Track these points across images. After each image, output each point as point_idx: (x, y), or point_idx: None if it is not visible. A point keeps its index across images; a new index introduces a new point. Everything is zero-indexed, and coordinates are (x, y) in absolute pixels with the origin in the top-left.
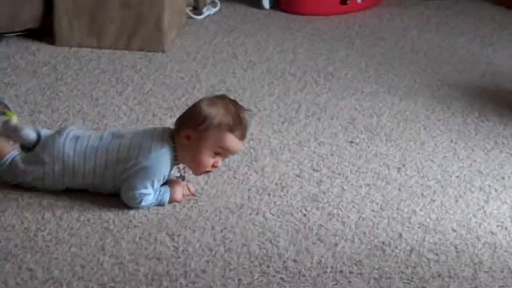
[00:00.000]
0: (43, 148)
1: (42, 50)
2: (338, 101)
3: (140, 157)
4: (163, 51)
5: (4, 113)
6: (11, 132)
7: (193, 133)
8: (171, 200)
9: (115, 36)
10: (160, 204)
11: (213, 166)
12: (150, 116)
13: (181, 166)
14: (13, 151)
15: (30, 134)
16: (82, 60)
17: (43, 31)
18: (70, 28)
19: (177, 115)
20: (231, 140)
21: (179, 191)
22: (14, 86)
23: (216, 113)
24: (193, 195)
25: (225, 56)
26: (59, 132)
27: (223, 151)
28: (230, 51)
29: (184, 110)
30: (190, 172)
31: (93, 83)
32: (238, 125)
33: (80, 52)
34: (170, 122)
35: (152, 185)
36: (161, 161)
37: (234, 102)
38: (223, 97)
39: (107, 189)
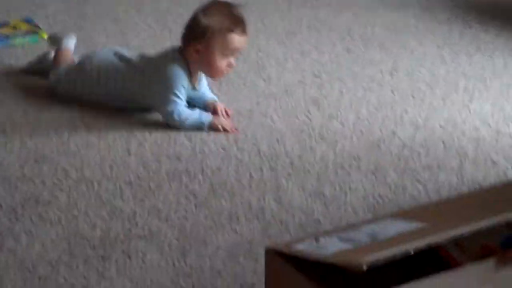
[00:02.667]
0: (86, 58)
1: None
2: (336, 14)
3: (156, 74)
4: None
5: (36, 32)
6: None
7: (199, 46)
8: (212, 126)
9: None
10: (200, 125)
11: (229, 66)
12: (167, 33)
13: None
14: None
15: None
16: None
17: None
18: None
19: None
20: (235, 39)
21: (220, 121)
22: (43, 7)
23: (214, 21)
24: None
25: None
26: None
27: (232, 51)
28: None
29: (184, 28)
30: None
31: (115, 3)
32: (236, 23)
33: None
34: None
35: (176, 95)
36: (176, 73)
37: (225, 3)
38: (214, 3)
39: (134, 103)
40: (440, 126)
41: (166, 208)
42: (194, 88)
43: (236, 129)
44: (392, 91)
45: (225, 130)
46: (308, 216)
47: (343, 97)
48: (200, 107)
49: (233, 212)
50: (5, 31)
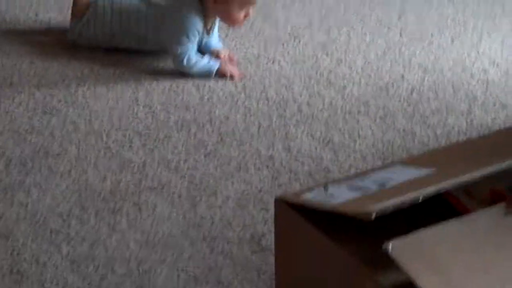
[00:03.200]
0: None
1: None
2: None
3: (172, 15)
4: None
5: None
6: None
7: None
8: (220, 72)
9: None
10: (208, 71)
11: (245, 16)
12: None
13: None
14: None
15: None
16: None
17: None
18: None
19: None
20: None
21: (228, 68)
22: None
23: None
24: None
25: None
26: None
27: (250, 1)
28: None
29: None
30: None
31: None
32: None
33: None
34: None
35: (188, 38)
36: (192, 15)
37: None
38: None
39: (149, 45)
40: (449, 69)
41: (175, 158)
42: (207, 33)
43: (243, 75)
44: (400, 34)
45: (232, 76)
46: (317, 164)
47: (351, 41)
48: (205, 53)
49: (242, 162)
50: None
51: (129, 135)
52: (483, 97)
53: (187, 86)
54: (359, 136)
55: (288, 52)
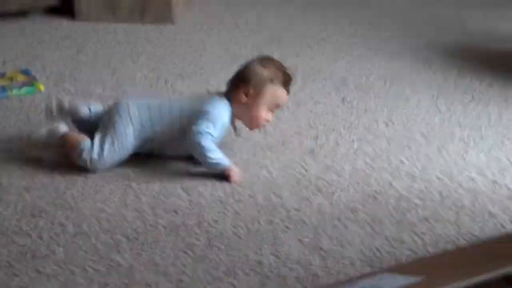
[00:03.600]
0: (111, 113)
1: (63, 25)
2: (331, 64)
3: (202, 106)
4: (173, 23)
5: (32, 83)
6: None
7: (251, 90)
8: (227, 172)
9: (129, 11)
10: (219, 166)
11: (266, 120)
12: (162, 82)
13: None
14: (86, 140)
15: (80, 108)
16: (100, 33)
17: (64, 8)
18: (88, 5)
19: (186, 81)
20: (283, 95)
21: (237, 172)
22: (40, 58)
23: (269, 72)
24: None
25: (228, 26)
26: (117, 104)
27: (276, 106)
28: (232, 21)
29: (237, 72)
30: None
31: (111, 53)
32: (288, 80)
33: (98, 26)
34: (180, 87)
35: (214, 126)
36: (221, 108)
37: (277, 60)
38: (269, 58)
39: (172, 149)
40: (437, 177)
41: (163, 262)
42: (234, 130)
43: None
44: (388, 142)
45: (233, 179)
46: (306, 270)
47: (339, 148)
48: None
49: (230, 266)
50: (1, 82)
51: (117, 238)
52: (471, 206)
53: (176, 189)
54: (347, 242)
55: (276, 158)
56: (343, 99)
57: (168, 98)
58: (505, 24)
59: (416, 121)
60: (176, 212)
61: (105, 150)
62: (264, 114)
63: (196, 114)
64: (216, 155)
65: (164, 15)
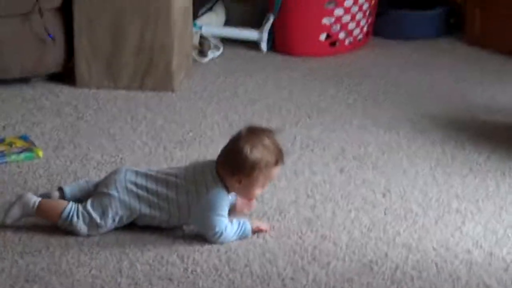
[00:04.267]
0: (106, 185)
1: (64, 91)
2: (329, 134)
3: (200, 199)
4: (173, 91)
5: (31, 150)
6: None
7: (243, 179)
8: (255, 231)
9: (130, 78)
10: (244, 235)
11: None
12: (161, 150)
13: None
14: (69, 204)
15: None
16: (100, 100)
17: (65, 75)
18: (89, 72)
19: (185, 148)
20: (276, 170)
21: (257, 225)
22: (39, 125)
23: (261, 157)
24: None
25: (228, 94)
26: (115, 172)
27: (270, 181)
28: (232, 90)
29: (227, 153)
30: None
31: (111, 120)
32: (279, 156)
33: (99, 93)
34: (179, 155)
35: (221, 215)
36: (221, 198)
37: (264, 132)
38: (257, 134)
39: (173, 223)
40: (433, 248)
41: None
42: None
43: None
44: (385, 212)
45: (262, 230)
46: None
47: (336, 218)
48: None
49: None
50: (0, 147)
51: None
52: (467, 278)
53: (172, 257)
54: None
55: (273, 227)
56: (341, 169)
57: (164, 172)
58: (503, 97)
59: (413, 192)
60: (170, 280)
61: (99, 218)
62: (258, 191)
63: (195, 202)
64: (236, 231)
65: (164, 83)
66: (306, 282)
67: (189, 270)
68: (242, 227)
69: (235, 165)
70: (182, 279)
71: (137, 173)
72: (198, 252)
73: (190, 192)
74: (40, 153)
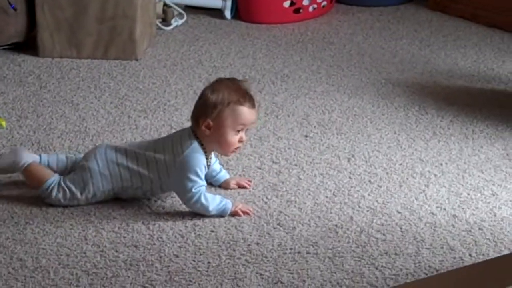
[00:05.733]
0: (86, 159)
1: (27, 61)
2: (293, 100)
3: (176, 159)
4: (136, 60)
5: None
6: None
7: (211, 121)
8: (232, 213)
9: (93, 47)
10: (223, 212)
11: (240, 141)
12: (126, 118)
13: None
14: (53, 177)
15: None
16: (63, 69)
17: (28, 45)
18: (52, 41)
19: (150, 117)
20: (245, 112)
21: (239, 207)
22: (2, 95)
23: (223, 96)
24: (250, 182)
25: (192, 62)
26: (96, 147)
27: (243, 125)
28: (196, 58)
29: (194, 106)
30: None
31: (74, 90)
32: (245, 96)
33: (62, 62)
34: (143, 124)
35: (198, 175)
36: (196, 155)
37: (231, 79)
38: (221, 80)
39: (157, 191)
40: (397, 212)
41: None
42: (208, 167)
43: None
44: (350, 177)
45: (244, 213)
46: None
47: (301, 183)
48: (214, 185)
49: None
50: None
51: (77, 273)
52: (431, 240)
53: (137, 224)
54: (308, 276)
55: (238, 192)
56: (305, 135)
57: (142, 144)
58: (465, 62)
59: (378, 157)
60: (136, 246)
61: (79, 192)
62: (232, 137)
63: (173, 165)
64: (215, 205)
65: (127, 51)
66: (272, 247)
67: (155, 237)
68: (223, 204)
69: (200, 109)
70: (148, 246)
71: (117, 149)
72: (163, 219)
73: (168, 155)
74: (3, 123)
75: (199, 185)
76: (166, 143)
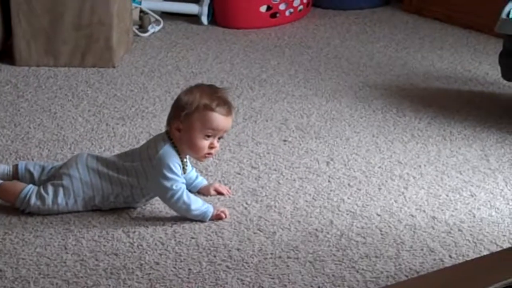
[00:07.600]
0: (67, 167)
1: (3, 70)
2: (271, 105)
3: (152, 162)
4: (113, 67)
5: None
6: None
7: (180, 124)
8: (213, 217)
9: (69, 55)
10: (204, 216)
11: (211, 147)
12: (104, 126)
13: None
14: (28, 186)
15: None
16: (40, 78)
17: (4, 53)
18: (28, 50)
19: (128, 124)
20: (215, 118)
21: (220, 211)
22: None
23: (194, 98)
24: (228, 191)
25: (169, 68)
26: (77, 155)
27: (213, 131)
28: (173, 64)
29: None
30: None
31: (51, 98)
32: (218, 102)
33: (39, 71)
34: (122, 131)
35: (172, 170)
36: (169, 153)
37: (209, 85)
38: (198, 85)
39: (138, 198)
40: (377, 214)
41: None
42: (184, 170)
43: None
44: (329, 180)
45: (225, 215)
46: None
47: (280, 188)
48: (192, 191)
49: None
50: None
51: (57, 283)
52: (411, 242)
53: (117, 232)
54: (289, 281)
55: (218, 198)
56: (284, 140)
57: (121, 156)
58: (441, 64)
59: (357, 160)
60: (116, 255)
61: (59, 199)
62: (201, 142)
63: (150, 167)
64: (198, 206)
65: (104, 59)
66: (253, 252)
67: (135, 244)
68: (205, 207)
69: (172, 111)
70: (129, 254)
71: (98, 158)
72: (143, 227)
73: (145, 160)
74: None
75: (179, 182)
76: (142, 149)
